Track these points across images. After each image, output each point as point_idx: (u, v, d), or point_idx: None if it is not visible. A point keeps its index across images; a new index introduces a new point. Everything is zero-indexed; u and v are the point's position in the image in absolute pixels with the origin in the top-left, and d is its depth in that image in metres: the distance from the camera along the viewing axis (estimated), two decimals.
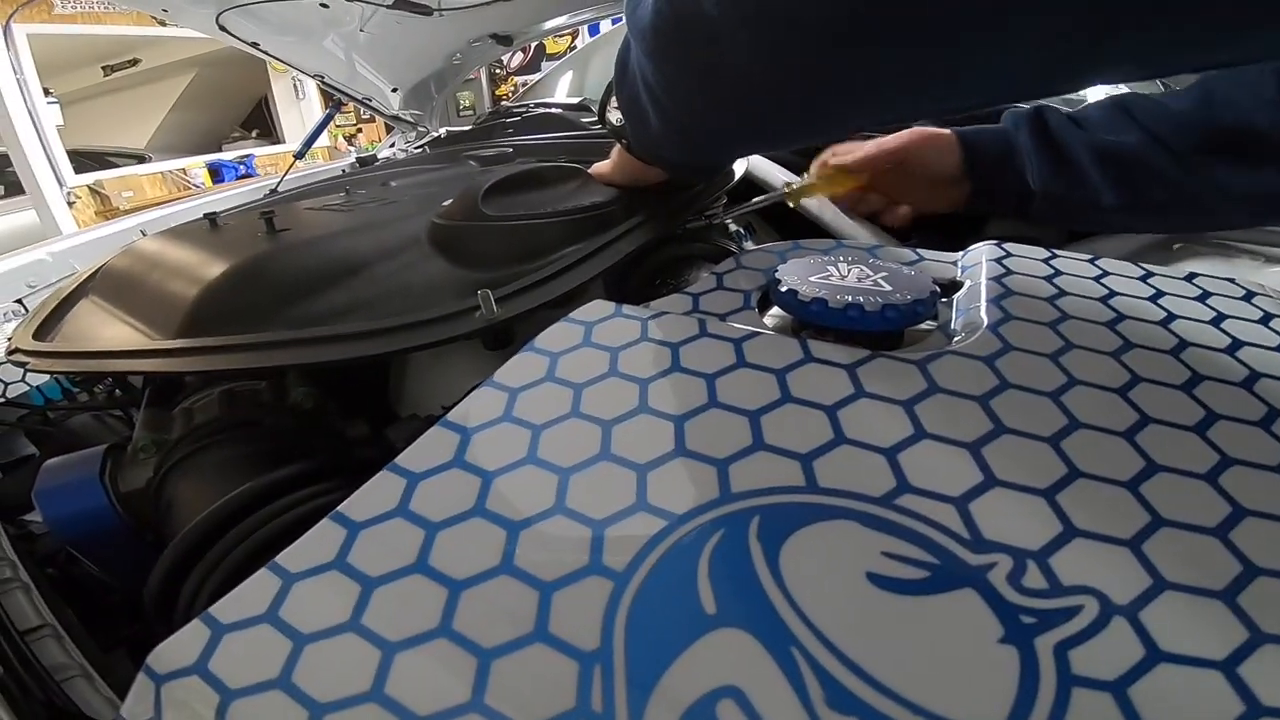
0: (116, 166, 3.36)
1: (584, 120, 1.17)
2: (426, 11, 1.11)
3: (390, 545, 0.22)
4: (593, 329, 0.31)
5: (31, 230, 2.63)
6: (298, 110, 4.74)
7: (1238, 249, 0.61)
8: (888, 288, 0.30)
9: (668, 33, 0.31)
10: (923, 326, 0.32)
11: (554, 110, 1.21)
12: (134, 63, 4.62)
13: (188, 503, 0.35)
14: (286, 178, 1.36)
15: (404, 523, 0.23)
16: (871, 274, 0.32)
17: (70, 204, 2.63)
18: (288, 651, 0.19)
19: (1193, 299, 0.34)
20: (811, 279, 0.31)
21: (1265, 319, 0.32)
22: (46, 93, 2.77)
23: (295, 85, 4.67)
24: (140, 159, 3.91)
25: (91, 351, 0.39)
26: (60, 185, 2.60)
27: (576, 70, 1.99)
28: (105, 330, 0.45)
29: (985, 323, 0.29)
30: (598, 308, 0.33)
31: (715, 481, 0.22)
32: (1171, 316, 0.31)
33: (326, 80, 1.47)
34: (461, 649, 0.19)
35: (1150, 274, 0.36)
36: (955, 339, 0.29)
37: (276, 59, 1.37)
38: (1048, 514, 0.20)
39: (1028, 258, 0.37)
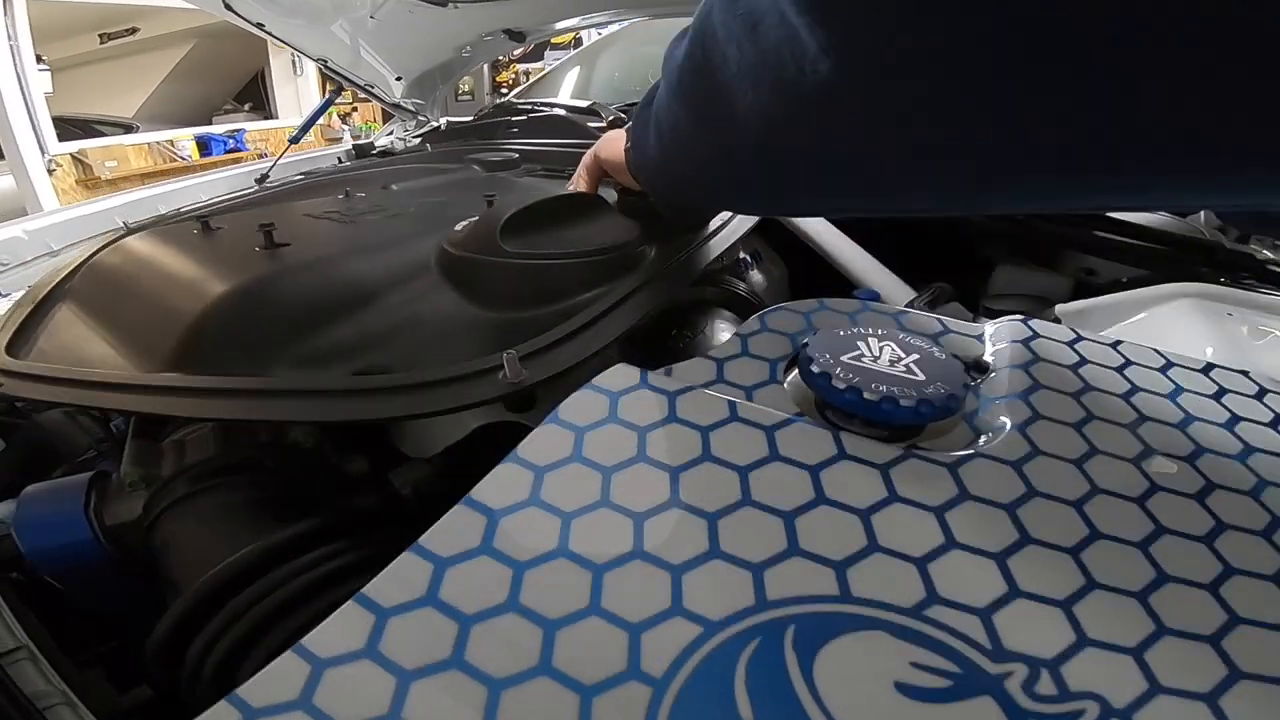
0: (103, 135, 3.26)
1: (592, 125, 1.15)
2: (441, 2, 1.09)
3: (423, 637, 0.21)
4: (619, 402, 0.30)
5: (6, 197, 2.55)
6: (294, 87, 4.64)
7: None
8: (921, 376, 0.30)
9: (688, 78, 0.31)
10: None
11: (561, 113, 1.19)
12: (132, 31, 4.49)
13: (191, 550, 0.33)
14: (283, 162, 1.33)
15: (435, 613, 0.22)
16: (904, 355, 0.32)
17: (50, 171, 2.55)
18: None
19: (1209, 396, 0.34)
20: (843, 359, 0.31)
21: (1274, 421, 0.33)
22: (39, 59, 2.68)
23: (294, 61, 4.57)
24: (128, 128, 3.80)
25: (75, 380, 0.37)
26: (42, 152, 2.52)
27: (584, 67, 1.96)
28: (88, 349, 0.43)
29: (1012, 422, 0.29)
30: (622, 375, 0.32)
31: (750, 587, 0.22)
32: (1189, 419, 0.32)
33: (329, 65, 1.43)
34: None
35: (1170, 364, 0.36)
36: (983, 438, 0.29)
37: (281, 41, 1.34)
38: (1063, 624, 0.21)
39: (1054, 340, 0.37)
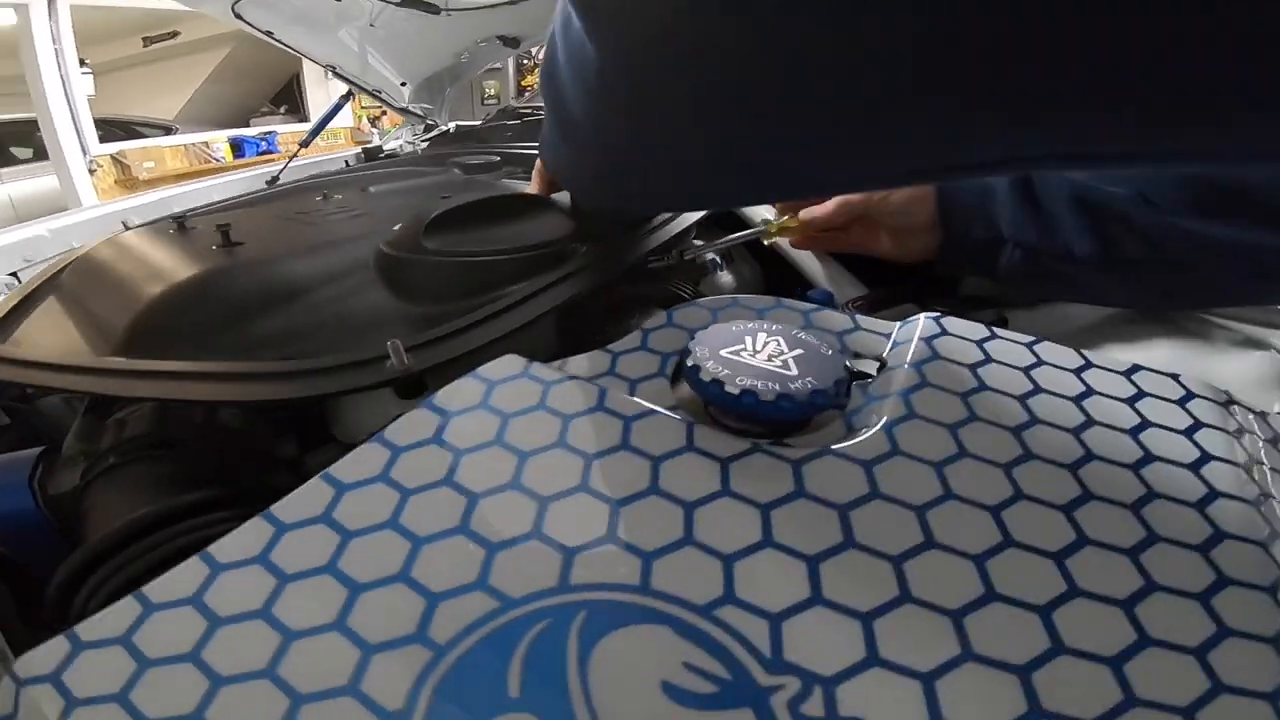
0: (143, 136, 3.42)
1: None
2: (434, 10, 1.12)
3: (241, 596, 0.23)
4: (494, 389, 0.31)
5: (50, 196, 2.69)
6: (325, 90, 4.79)
7: (1216, 324, 0.59)
8: (793, 371, 0.30)
9: (543, 79, 0.31)
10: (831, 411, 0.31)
11: None
12: (173, 35, 4.70)
13: (101, 514, 0.35)
14: (295, 164, 1.37)
15: (261, 570, 0.23)
16: (786, 351, 0.32)
17: (91, 172, 2.69)
18: (131, 672, 0.21)
19: (1122, 400, 0.33)
20: (722, 353, 0.31)
21: (1191, 429, 0.31)
22: (82, 62, 2.82)
23: (328, 70, 4.72)
24: (167, 130, 3.98)
25: (28, 361, 0.40)
26: (84, 153, 2.66)
27: None
28: (56, 335, 0.46)
29: (883, 420, 0.28)
30: (507, 364, 0.32)
31: (558, 570, 0.22)
32: (1089, 422, 0.30)
33: (339, 71, 1.48)
34: (279, 690, 0.20)
35: (1089, 365, 0.35)
36: (850, 434, 0.29)
37: (290, 48, 1.39)
38: (857, 639, 0.20)
39: (962, 338, 0.36)
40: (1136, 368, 0.35)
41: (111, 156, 2.95)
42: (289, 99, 5.42)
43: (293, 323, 0.42)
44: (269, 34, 1.32)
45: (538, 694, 0.19)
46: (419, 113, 1.62)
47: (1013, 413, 0.31)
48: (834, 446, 0.27)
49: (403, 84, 1.51)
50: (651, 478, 0.25)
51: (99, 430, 0.42)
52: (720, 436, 0.27)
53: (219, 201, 0.95)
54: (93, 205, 1.16)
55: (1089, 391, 0.33)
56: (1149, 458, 0.29)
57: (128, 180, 2.98)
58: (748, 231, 0.56)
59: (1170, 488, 0.27)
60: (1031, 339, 0.36)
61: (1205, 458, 0.28)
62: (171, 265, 0.46)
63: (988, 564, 0.23)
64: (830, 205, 0.53)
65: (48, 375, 0.38)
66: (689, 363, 0.30)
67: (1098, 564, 0.23)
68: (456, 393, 0.30)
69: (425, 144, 1.57)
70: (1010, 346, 0.36)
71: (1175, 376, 0.35)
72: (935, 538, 0.23)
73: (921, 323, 0.37)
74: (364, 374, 0.33)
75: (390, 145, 1.61)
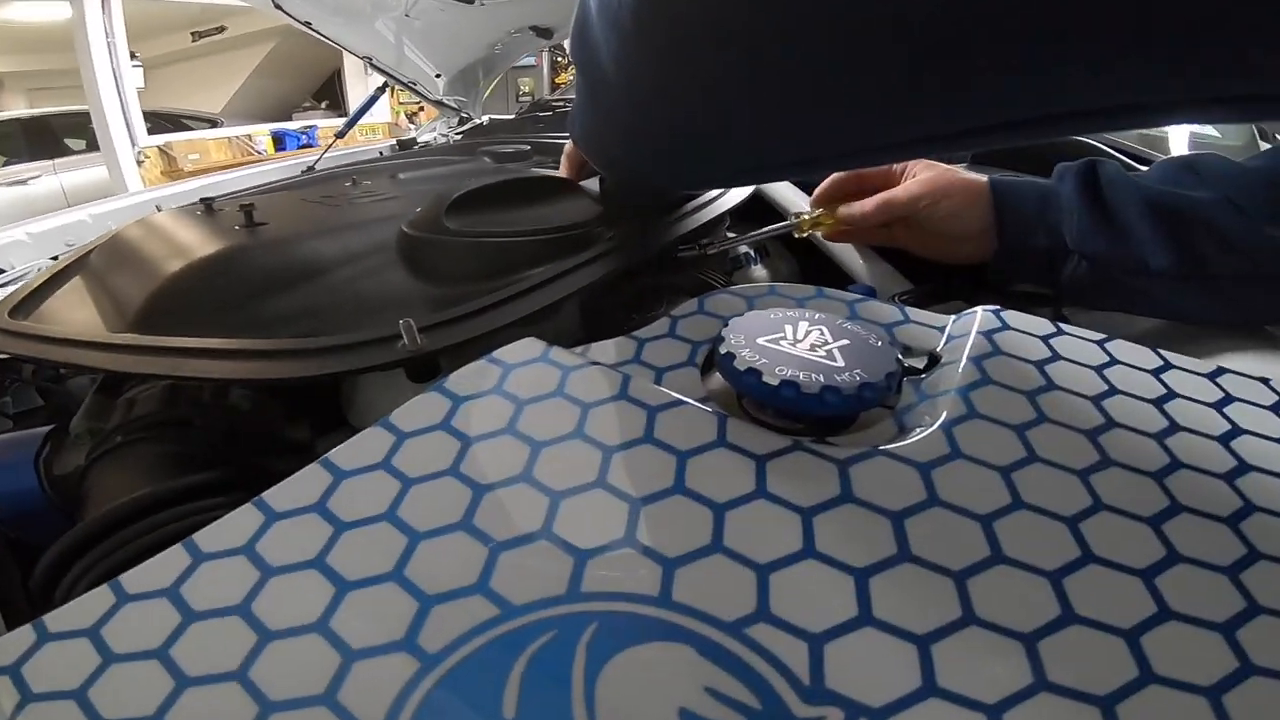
0: (189, 129, 3.52)
1: None
2: (469, 0, 1.11)
3: (220, 590, 0.21)
4: (510, 374, 0.28)
5: (100, 186, 2.79)
6: (365, 86, 4.87)
7: None
8: (840, 362, 0.27)
9: (574, 42, 0.28)
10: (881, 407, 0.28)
11: None
12: (220, 30, 4.84)
13: (101, 495, 0.34)
14: (331, 155, 1.38)
15: (245, 561, 0.21)
16: (831, 340, 0.29)
17: (139, 163, 2.78)
18: (94, 667, 0.19)
19: (1209, 404, 0.29)
20: (759, 341, 0.28)
21: None
22: (133, 56, 2.91)
23: (365, 61, 4.81)
24: (213, 123, 4.10)
25: (40, 335, 0.39)
26: (133, 145, 2.75)
27: None
28: (75, 313, 0.45)
29: (940, 419, 0.25)
30: (525, 348, 0.30)
31: (568, 576, 0.19)
32: (1173, 427, 0.27)
33: (375, 62, 1.49)
34: (248, 696, 0.18)
35: (1168, 365, 0.31)
36: (902, 433, 0.26)
37: (327, 39, 1.40)
38: (912, 664, 0.17)
39: (1025, 333, 0.32)
40: (1221, 370, 0.31)
41: (158, 148, 3.04)
42: (330, 94, 5.54)
43: (309, 302, 0.40)
44: (308, 24, 1.33)
45: (536, 714, 0.16)
46: (453, 105, 1.62)
47: (1087, 414, 0.27)
48: (885, 447, 0.24)
49: (437, 75, 1.51)
50: (677, 475, 0.22)
51: (108, 409, 0.41)
52: (756, 431, 0.24)
53: (251, 188, 0.95)
54: (135, 192, 1.18)
55: (1170, 394, 0.29)
56: (1244, 467, 0.25)
57: (173, 171, 3.07)
58: (779, 225, 0.53)
59: (1271, 500, 0.23)
60: (1102, 336, 0.33)
61: None
62: (191, 243, 0.45)
63: (1065, 582, 0.20)
64: (871, 204, 0.49)
65: (58, 350, 0.37)
66: (722, 350, 0.27)
67: (1192, 583, 0.20)
68: (470, 376, 0.28)
69: (459, 136, 1.57)
70: (1079, 344, 0.32)
71: (1266, 381, 0.31)
72: (1004, 551, 0.20)
73: (980, 315, 0.34)
74: (373, 353, 0.31)
75: (425, 137, 1.61)
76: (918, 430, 0.25)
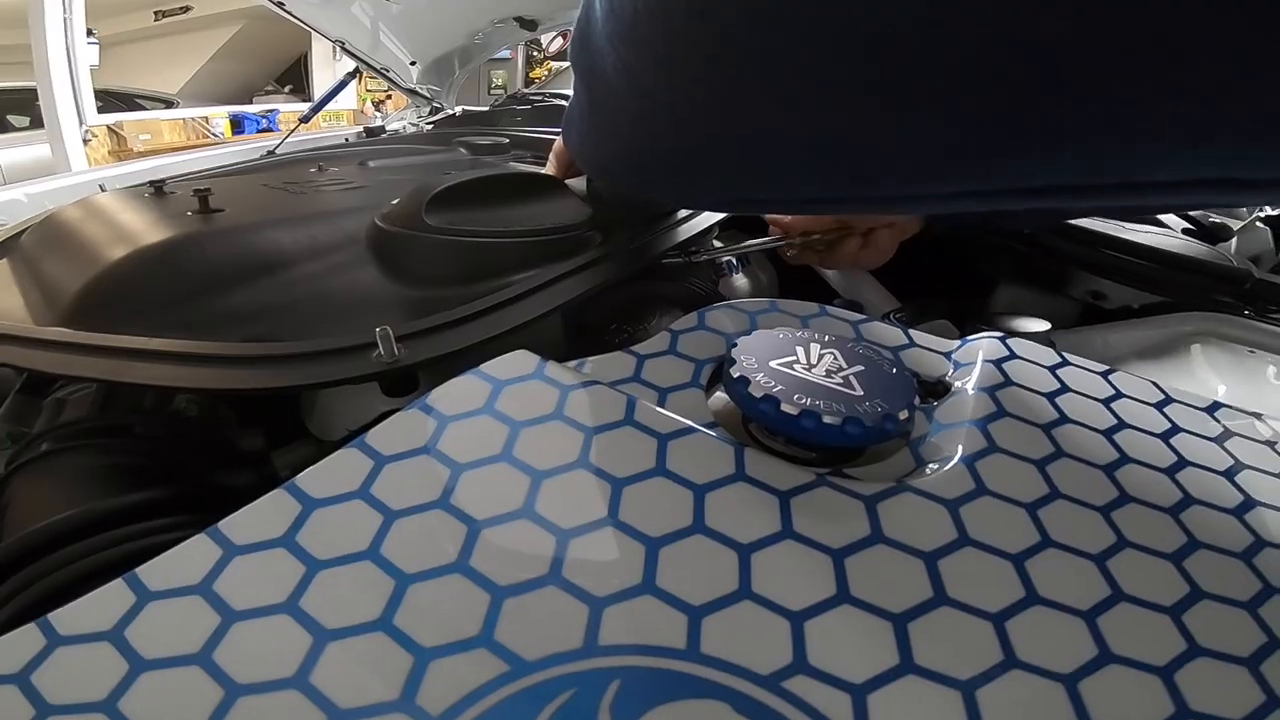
0: (143, 109, 3.34)
1: None
2: None
3: (174, 635, 0.18)
4: (501, 391, 0.26)
5: (44, 164, 2.62)
6: (332, 71, 4.73)
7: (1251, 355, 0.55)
8: (858, 391, 0.25)
9: (575, 48, 0.27)
10: None
11: (563, 103, 1.17)
12: (185, 9, 4.62)
13: (23, 511, 0.30)
14: (294, 140, 1.32)
15: (201, 603, 0.18)
16: (846, 366, 0.27)
17: (85, 142, 2.61)
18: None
19: (1210, 439, 0.29)
20: (772, 364, 0.26)
21: None
22: (89, 32, 2.75)
23: (334, 47, 4.69)
24: (168, 104, 3.89)
25: None
26: (80, 123, 2.58)
27: None
28: (4, 300, 0.41)
29: (960, 453, 0.24)
30: (517, 361, 0.28)
31: (584, 626, 0.17)
32: (1182, 462, 0.26)
33: (347, 47, 1.43)
34: None
35: (1169, 400, 0.31)
36: (923, 467, 0.24)
37: (301, 21, 1.34)
38: (959, 711, 0.16)
39: (1034, 363, 0.32)
40: (1217, 405, 0.31)
41: (108, 128, 2.86)
42: (295, 79, 5.34)
43: (269, 299, 0.37)
44: (280, 4, 1.27)
45: None
46: (426, 94, 1.57)
47: (1101, 450, 0.27)
48: (911, 482, 0.22)
49: (412, 63, 1.47)
50: (695, 512, 0.20)
51: (32, 411, 0.37)
52: (774, 463, 0.23)
53: (206, 170, 0.89)
54: (77, 172, 1.10)
55: (1175, 429, 0.29)
56: (1250, 502, 0.25)
57: (122, 151, 2.90)
58: (766, 239, 0.52)
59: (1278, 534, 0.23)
60: (1105, 368, 0.33)
61: None
62: (137, 228, 0.41)
63: (1099, 621, 0.19)
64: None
65: None
66: (734, 374, 0.26)
67: (1216, 619, 0.20)
68: (456, 392, 0.26)
69: (429, 126, 1.52)
70: (1085, 376, 0.32)
71: (1259, 416, 0.31)
72: (1038, 591, 0.19)
73: (986, 344, 0.33)
74: (345, 364, 0.28)
75: (394, 125, 1.56)
76: (938, 463, 0.24)
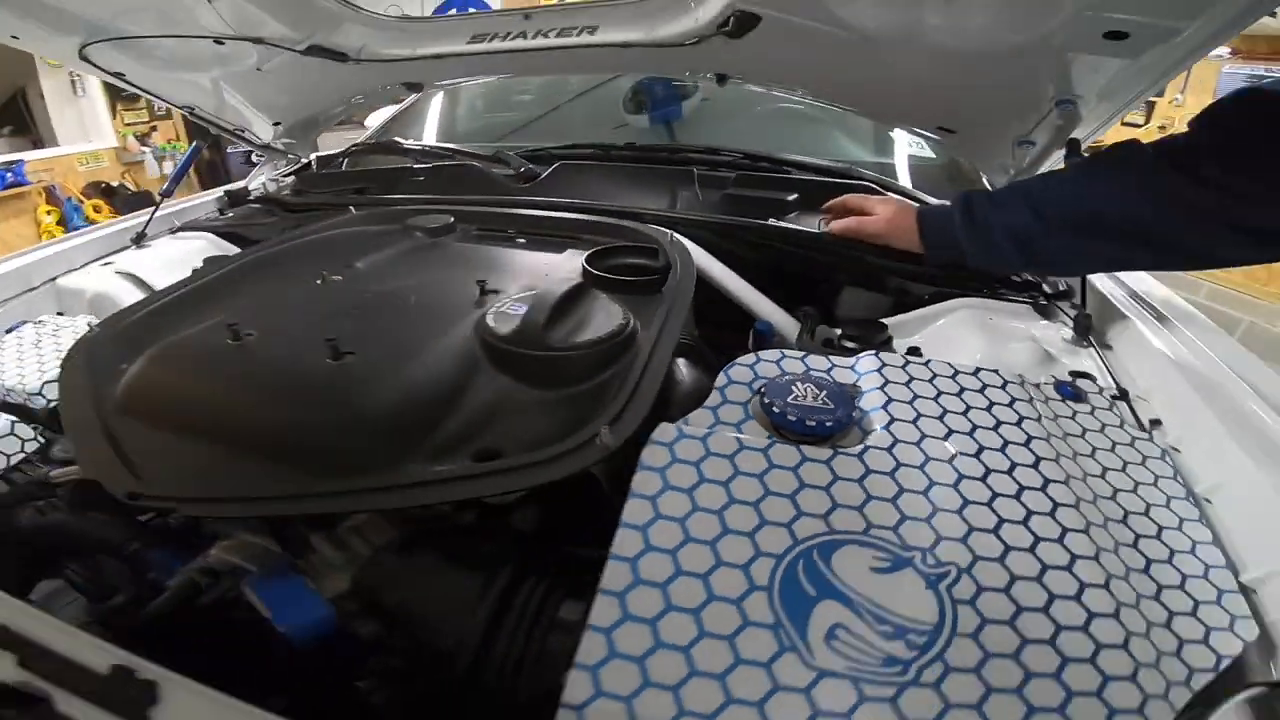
0: None
1: (498, 173, 1.24)
2: (342, 59, 1.13)
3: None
4: (678, 448, 0.49)
5: None
6: (76, 108, 4.04)
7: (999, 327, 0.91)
8: (831, 405, 0.53)
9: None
10: None
11: (471, 162, 1.28)
12: None
13: (433, 591, 0.48)
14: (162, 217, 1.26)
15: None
16: (819, 393, 0.54)
17: None
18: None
19: (1005, 404, 0.61)
20: (788, 400, 0.53)
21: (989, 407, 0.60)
22: None
23: (74, 81, 4.00)
24: None
25: (255, 496, 0.47)
26: None
27: (448, 98, 1.97)
28: (218, 467, 0.51)
29: (880, 425, 0.53)
30: (668, 431, 0.51)
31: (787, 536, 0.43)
32: (998, 424, 0.58)
33: (196, 112, 1.39)
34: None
35: (957, 373, 0.63)
36: (866, 436, 0.52)
37: (142, 90, 1.28)
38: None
39: (894, 367, 0.61)
40: (1023, 378, 0.62)
41: None
42: (14, 119, 4.34)
43: (464, 421, 0.54)
44: (119, 75, 1.21)
45: (819, 588, 0.40)
46: (280, 148, 1.56)
47: (943, 405, 0.57)
48: (867, 444, 0.50)
49: (275, 124, 1.46)
50: (796, 480, 0.46)
51: (344, 540, 0.52)
52: (810, 450, 0.49)
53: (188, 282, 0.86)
54: None
55: (993, 404, 0.59)
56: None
57: None
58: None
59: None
60: (927, 359, 0.63)
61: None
62: (314, 389, 0.55)
63: (965, 512, 0.48)
64: (862, 227, 0.90)
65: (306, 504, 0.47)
66: (775, 409, 0.52)
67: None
68: (667, 463, 0.49)
69: (290, 178, 1.52)
70: (919, 368, 0.61)
71: (996, 371, 0.63)
72: (934, 500, 0.48)
73: (868, 360, 0.62)
74: (581, 457, 0.48)
75: (255, 185, 1.53)
76: (873, 433, 0.53)
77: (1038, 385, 0.61)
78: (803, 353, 0.63)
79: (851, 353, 0.64)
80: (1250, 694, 0.35)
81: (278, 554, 0.50)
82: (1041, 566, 0.43)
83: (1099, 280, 0.91)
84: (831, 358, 0.63)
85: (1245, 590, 0.46)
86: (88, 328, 0.75)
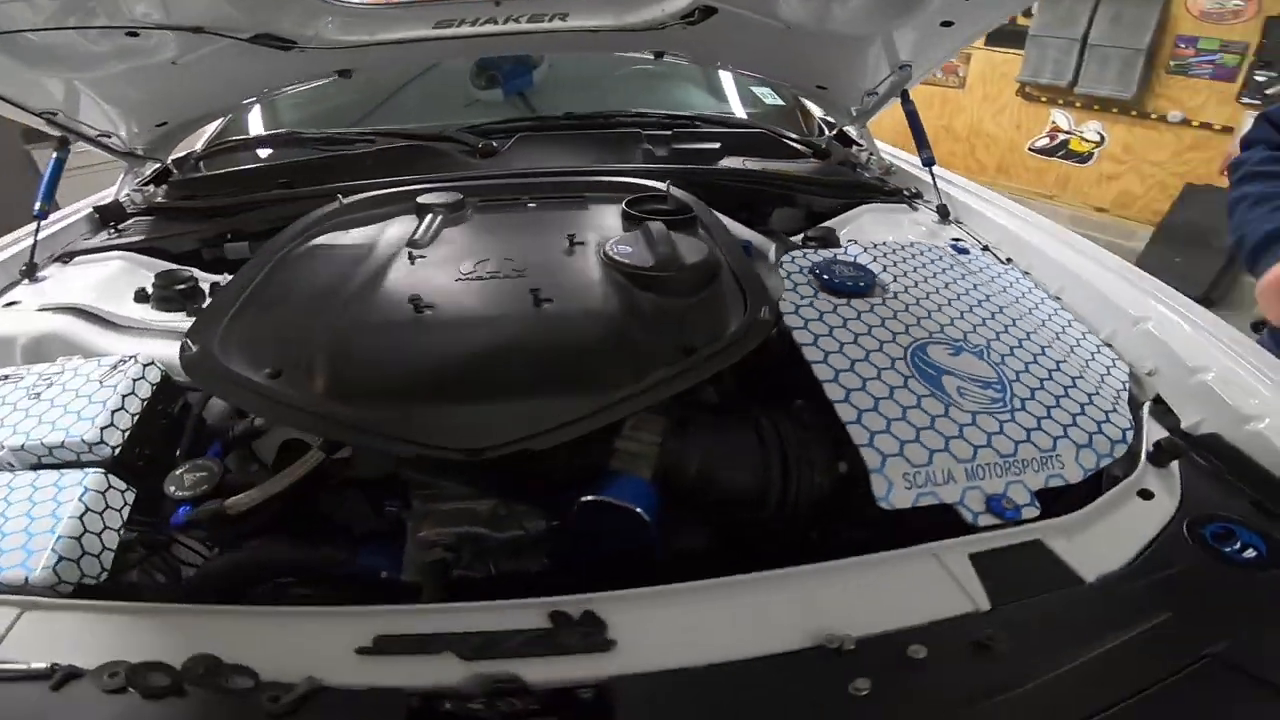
0: None
1: (454, 150, 1.28)
2: (286, 47, 1.07)
3: None
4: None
5: None
6: None
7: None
8: (861, 273, 0.82)
9: None
10: None
11: (422, 142, 1.32)
12: None
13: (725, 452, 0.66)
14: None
15: None
16: (847, 269, 0.83)
17: None
18: None
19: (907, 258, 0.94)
20: (835, 274, 0.80)
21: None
22: None
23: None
24: None
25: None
26: None
27: None
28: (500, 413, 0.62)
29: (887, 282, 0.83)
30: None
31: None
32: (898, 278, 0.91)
33: (56, 119, 1.21)
34: None
35: (882, 244, 0.96)
36: (886, 289, 0.82)
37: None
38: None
39: (874, 250, 0.92)
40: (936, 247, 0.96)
41: None
42: None
43: None
44: None
45: (922, 370, 0.69)
46: (141, 153, 1.41)
47: (909, 267, 0.89)
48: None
49: (160, 125, 1.32)
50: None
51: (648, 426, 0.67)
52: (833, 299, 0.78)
53: None
54: None
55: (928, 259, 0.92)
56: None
57: None
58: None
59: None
60: (905, 246, 0.95)
61: None
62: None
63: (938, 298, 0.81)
64: None
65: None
66: (824, 276, 0.79)
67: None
68: None
69: (148, 185, 1.40)
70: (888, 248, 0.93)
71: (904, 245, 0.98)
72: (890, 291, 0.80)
73: (854, 247, 0.92)
74: (757, 331, 0.71)
75: (122, 197, 1.39)
76: (890, 287, 0.83)
77: (943, 249, 0.97)
78: (807, 250, 0.91)
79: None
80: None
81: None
82: (1023, 334, 0.76)
83: (940, 183, 1.31)
84: (833, 250, 0.92)
85: (1107, 343, 0.83)
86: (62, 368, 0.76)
